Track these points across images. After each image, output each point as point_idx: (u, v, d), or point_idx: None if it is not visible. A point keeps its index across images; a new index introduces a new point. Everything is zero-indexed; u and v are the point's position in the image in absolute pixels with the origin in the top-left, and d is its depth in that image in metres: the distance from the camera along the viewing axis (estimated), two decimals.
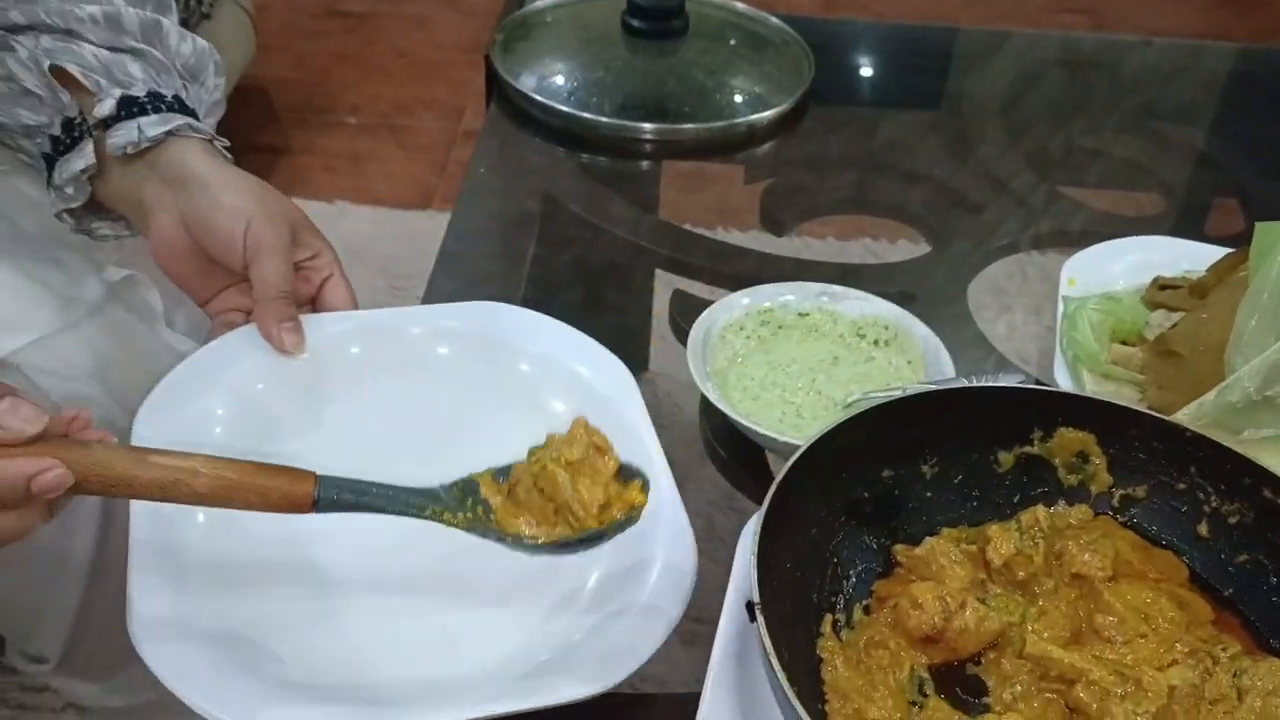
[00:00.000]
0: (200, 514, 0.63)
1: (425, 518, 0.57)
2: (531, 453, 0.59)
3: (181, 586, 0.60)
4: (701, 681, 0.55)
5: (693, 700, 0.54)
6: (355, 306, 0.76)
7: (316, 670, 0.58)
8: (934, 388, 0.67)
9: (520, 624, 0.62)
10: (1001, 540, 0.59)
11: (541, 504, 0.57)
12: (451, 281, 0.91)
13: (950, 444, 0.63)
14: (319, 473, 0.56)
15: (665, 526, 0.64)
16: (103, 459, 0.53)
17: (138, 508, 0.61)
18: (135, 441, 0.63)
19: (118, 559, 0.85)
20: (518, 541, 0.57)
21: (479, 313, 0.77)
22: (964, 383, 0.72)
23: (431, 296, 0.88)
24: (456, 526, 0.57)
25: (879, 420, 0.60)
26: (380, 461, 0.68)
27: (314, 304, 0.76)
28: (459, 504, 0.58)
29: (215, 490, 0.54)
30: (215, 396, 0.69)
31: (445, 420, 0.72)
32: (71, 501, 0.56)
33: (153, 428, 0.65)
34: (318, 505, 0.55)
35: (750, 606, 0.50)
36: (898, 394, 0.62)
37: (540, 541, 0.57)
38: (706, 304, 0.81)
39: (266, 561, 0.64)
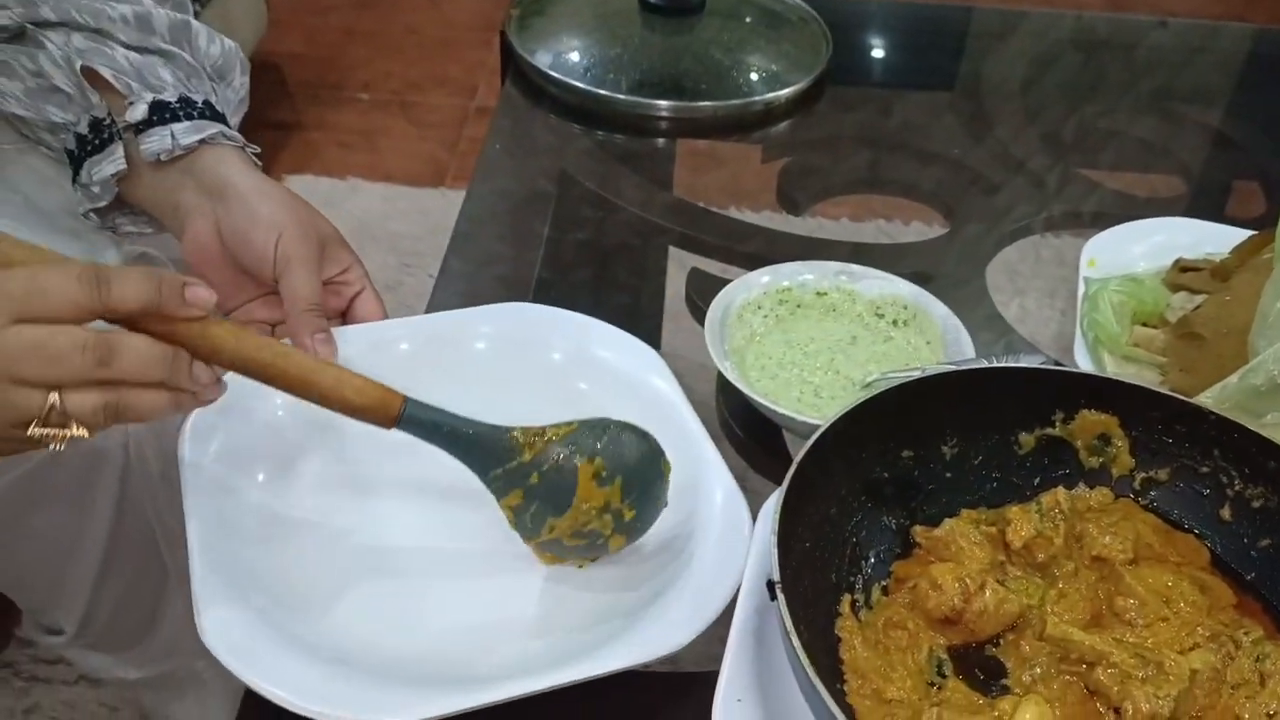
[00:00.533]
0: (255, 491, 0.66)
1: (487, 482, 0.60)
2: None
3: (241, 576, 0.60)
4: (715, 660, 0.55)
5: (709, 679, 0.54)
6: (386, 319, 0.77)
7: (367, 646, 0.59)
8: (954, 368, 0.66)
9: (573, 596, 0.63)
10: (1021, 522, 0.59)
11: None
12: (465, 261, 0.91)
13: (971, 425, 0.62)
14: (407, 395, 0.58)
15: (719, 490, 0.65)
16: (223, 326, 0.56)
17: (192, 515, 0.62)
18: (188, 454, 0.65)
19: (135, 532, 0.86)
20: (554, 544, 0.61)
21: (508, 313, 0.78)
22: (984, 363, 0.72)
23: (445, 277, 0.88)
24: (506, 512, 0.60)
25: (899, 400, 0.60)
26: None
27: (345, 318, 0.77)
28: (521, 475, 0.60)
29: (312, 375, 0.56)
30: (267, 406, 0.69)
31: (490, 409, 0.73)
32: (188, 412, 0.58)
33: (204, 437, 0.66)
34: (401, 420, 0.58)
35: (771, 585, 0.50)
36: (917, 374, 0.62)
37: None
38: (724, 283, 0.80)
39: (323, 542, 0.65)
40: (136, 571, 0.88)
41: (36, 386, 0.51)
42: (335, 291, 0.76)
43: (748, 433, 0.77)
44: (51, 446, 0.52)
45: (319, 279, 0.72)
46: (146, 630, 0.94)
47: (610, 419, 0.61)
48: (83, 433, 0.52)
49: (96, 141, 0.74)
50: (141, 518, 0.85)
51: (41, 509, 0.82)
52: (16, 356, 0.50)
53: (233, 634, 0.56)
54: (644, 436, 0.62)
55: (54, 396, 0.51)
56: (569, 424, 0.61)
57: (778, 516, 0.52)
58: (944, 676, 0.55)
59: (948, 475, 0.62)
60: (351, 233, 0.79)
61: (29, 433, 0.51)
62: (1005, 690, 0.54)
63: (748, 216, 0.99)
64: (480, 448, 0.60)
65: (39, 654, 1.30)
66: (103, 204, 0.76)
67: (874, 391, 0.59)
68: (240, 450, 0.66)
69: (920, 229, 1.00)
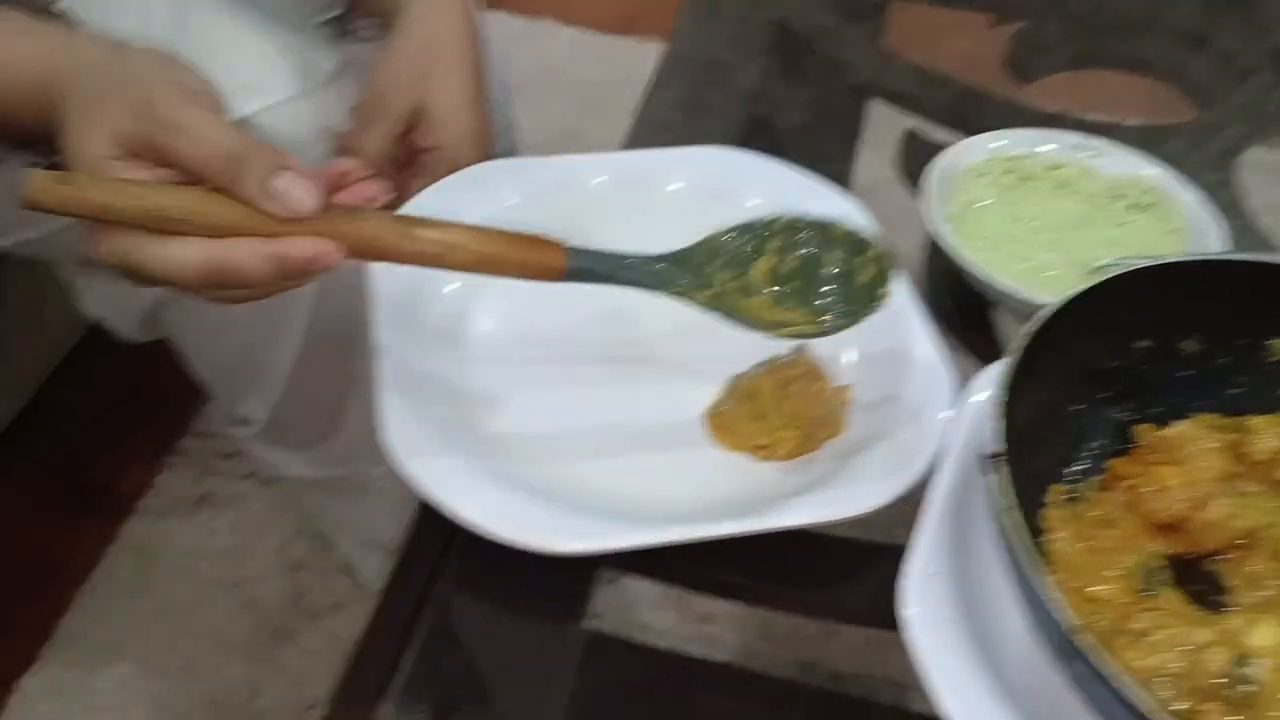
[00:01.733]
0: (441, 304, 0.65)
1: (672, 293, 0.57)
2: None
3: (426, 396, 0.59)
4: (893, 533, 0.52)
5: (890, 552, 0.51)
6: None
7: (549, 472, 0.58)
8: (1204, 257, 0.60)
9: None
10: (1267, 433, 0.53)
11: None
12: (665, 108, 0.87)
13: (1217, 323, 0.56)
14: (566, 244, 0.56)
15: (922, 354, 0.63)
16: (369, 233, 0.51)
17: (381, 323, 0.61)
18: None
19: (333, 325, 0.86)
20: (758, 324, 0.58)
21: (708, 156, 0.74)
22: (1238, 256, 0.65)
23: (640, 130, 0.85)
24: (701, 305, 0.57)
25: (1141, 286, 0.54)
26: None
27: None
28: (701, 276, 0.57)
29: (476, 262, 0.54)
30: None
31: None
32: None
33: None
34: (568, 274, 0.55)
35: (988, 458, 0.46)
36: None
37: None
38: (938, 149, 0.74)
39: (511, 361, 0.65)
40: (328, 368, 0.89)
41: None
42: (407, 163, 0.72)
43: (953, 305, 0.72)
44: None
45: (388, 139, 0.70)
46: (329, 431, 0.96)
47: (804, 219, 0.58)
48: None
49: None
50: (336, 312, 0.86)
51: None
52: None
53: (416, 448, 0.55)
54: (861, 238, 0.58)
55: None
56: (747, 227, 0.58)
57: (1003, 388, 0.48)
58: (1157, 585, 0.51)
59: (1183, 374, 0.57)
60: (534, 78, 0.77)
61: None
62: (1221, 607, 0.50)
63: (968, 82, 0.92)
64: (653, 281, 0.57)
65: (217, 447, 1.37)
66: (336, 12, 0.76)
67: (1106, 275, 0.54)
68: None
69: (1156, 113, 0.91)
